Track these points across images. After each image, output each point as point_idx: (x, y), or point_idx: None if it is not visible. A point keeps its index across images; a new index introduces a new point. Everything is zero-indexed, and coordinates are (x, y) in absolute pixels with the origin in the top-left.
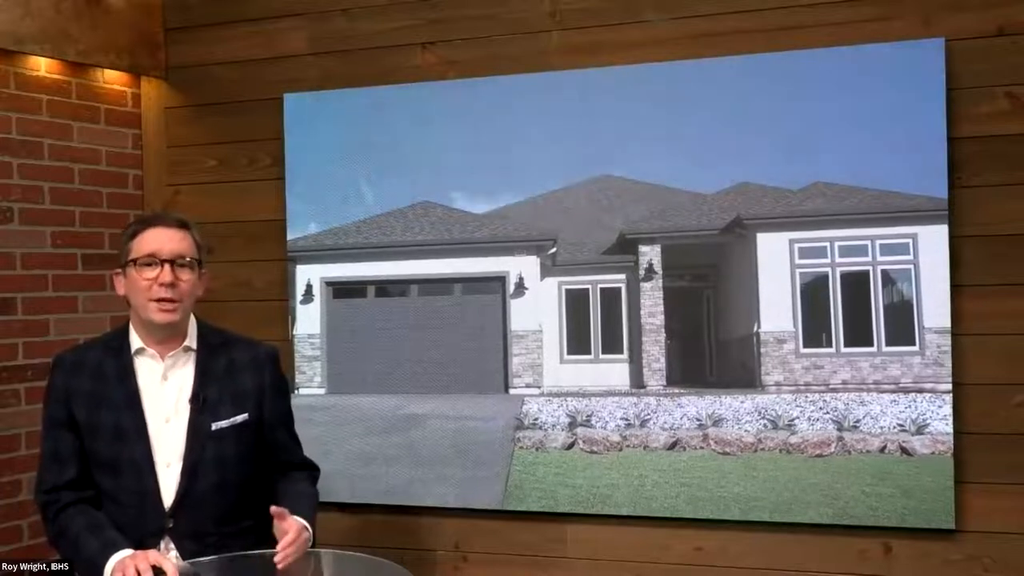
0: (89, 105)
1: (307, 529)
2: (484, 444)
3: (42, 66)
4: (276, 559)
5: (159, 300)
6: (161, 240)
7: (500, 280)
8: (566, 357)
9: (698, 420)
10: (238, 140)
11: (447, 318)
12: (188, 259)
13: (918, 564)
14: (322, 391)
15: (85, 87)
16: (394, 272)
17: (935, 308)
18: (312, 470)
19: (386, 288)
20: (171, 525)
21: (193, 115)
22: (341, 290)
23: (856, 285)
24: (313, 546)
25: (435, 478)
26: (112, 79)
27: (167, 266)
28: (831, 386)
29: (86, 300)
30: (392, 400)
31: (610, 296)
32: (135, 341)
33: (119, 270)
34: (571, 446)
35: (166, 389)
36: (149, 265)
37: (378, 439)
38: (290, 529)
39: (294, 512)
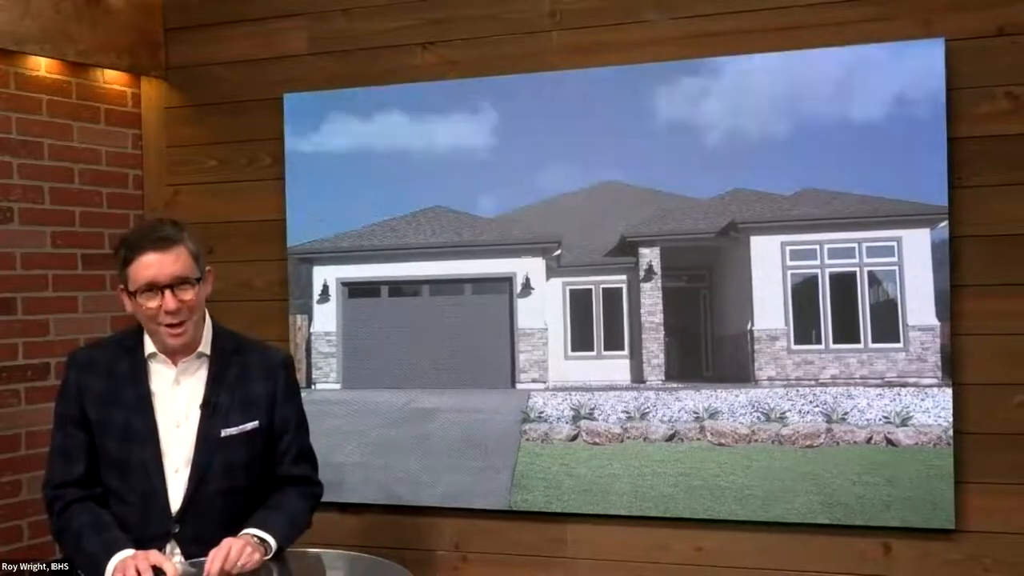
0: (89, 105)
1: (256, 537)
2: (493, 437)
3: (42, 66)
4: (206, 569)
5: (168, 325)
6: (155, 266)
7: (508, 281)
8: (570, 354)
9: (695, 413)
10: (238, 140)
11: (457, 317)
12: (188, 279)
13: (918, 564)
14: (337, 386)
15: (85, 87)
16: (407, 273)
17: (918, 307)
18: (312, 486)
19: (399, 288)
20: (177, 530)
21: (193, 115)
22: (356, 290)
23: (844, 285)
24: (279, 554)
25: (446, 468)
26: (112, 79)
27: (168, 293)
28: (821, 381)
29: (86, 300)
30: (404, 395)
31: (612, 296)
32: (148, 346)
33: (122, 287)
34: (575, 438)
35: (178, 394)
36: (149, 291)
37: (391, 431)
38: (223, 543)
39: (257, 523)
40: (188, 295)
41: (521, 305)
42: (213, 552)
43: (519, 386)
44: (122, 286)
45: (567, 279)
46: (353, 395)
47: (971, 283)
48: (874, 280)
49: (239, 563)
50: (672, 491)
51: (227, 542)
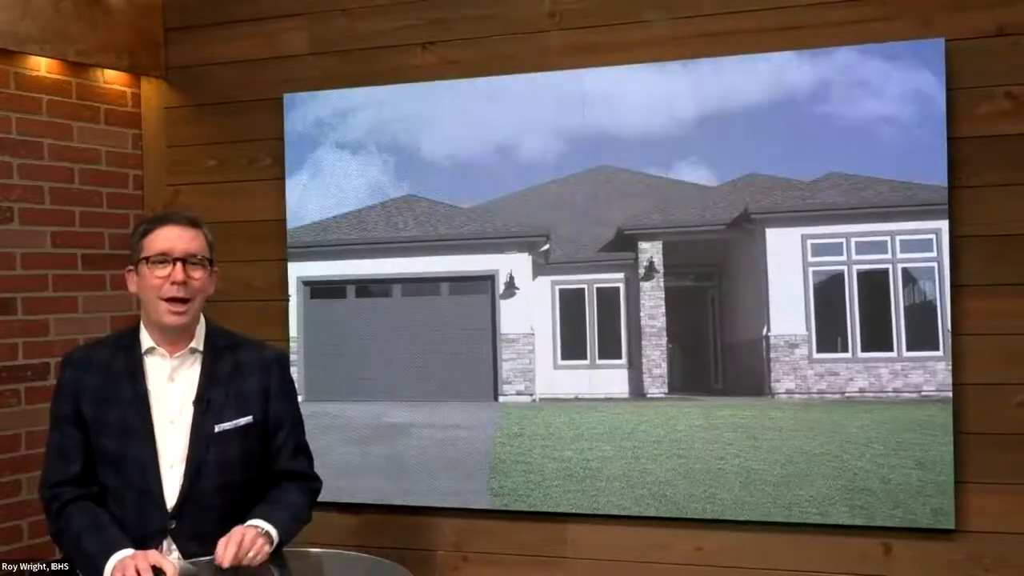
0: (89, 105)
1: (261, 529)
2: (471, 455)
3: (42, 66)
4: (217, 558)
5: (170, 300)
6: (173, 238)
7: (489, 279)
8: (560, 362)
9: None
10: (238, 140)
11: (432, 320)
12: (200, 257)
13: (918, 564)
14: (299, 398)
15: (85, 87)
16: (376, 271)
17: None
18: (310, 481)
19: (367, 288)
20: (173, 526)
21: (193, 115)
22: (319, 290)
23: (874, 284)
24: (279, 548)
25: (422, 491)
26: (112, 79)
27: (179, 264)
28: (847, 394)
29: (86, 300)
30: (373, 408)
31: (607, 296)
32: (146, 340)
33: (131, 268)
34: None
35: (172, 390)
36: (161, 263)
37: (357, 450)
38: (232, 532)
39: (261, 515)
40: (197, 274)
41: (504, 307)
42: (224, 540)
43: (502, 399)
44: (131, 267)
45: (556, 277)
46: (315, 408)
47: (971, 283)
48: (909, 278)
49: (251, 552)
50: (670, 475)
51: (239, 530)
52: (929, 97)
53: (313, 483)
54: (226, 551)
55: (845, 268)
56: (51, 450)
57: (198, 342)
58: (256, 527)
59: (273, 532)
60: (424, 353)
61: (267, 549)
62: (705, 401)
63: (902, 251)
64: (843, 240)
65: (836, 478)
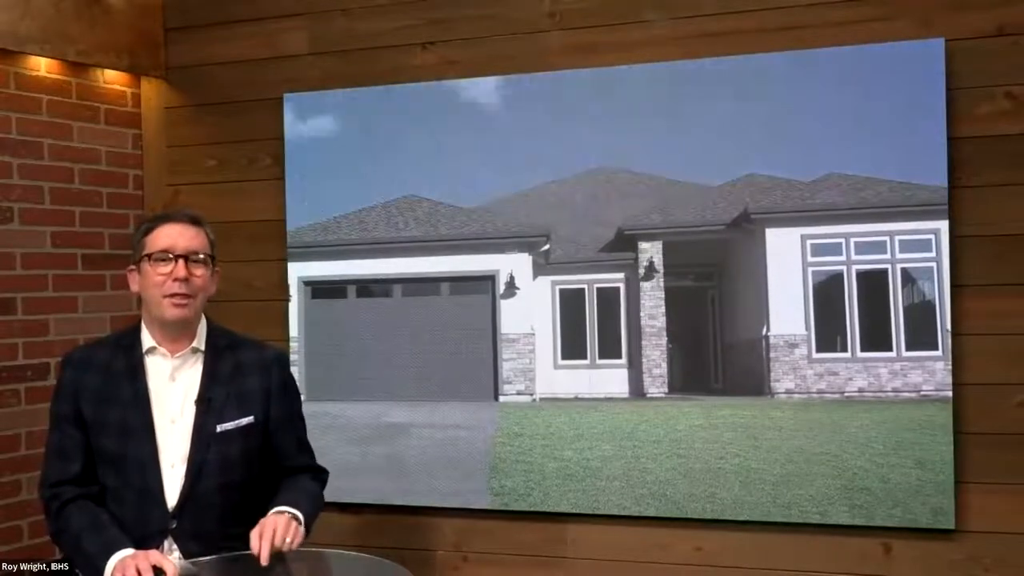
0: (89, 105)
1: (289, 513)
2: (471, 454)
3: (42, 66)
4: (254, 551)
5: (172, 295)
6: (175, 236)
7: (490, 279)
8: (560, 362)
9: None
10: (238, 140)
11: (432, 320)
12: (202, 255)
13: (918, 564)
14: (301, 397)
15: (85, 87)
16: (376, 271)
17: None
18: (319, 472)
19: (368, 288)
20: (174, 526)
21: (193, 115)
22: (320, 290)
23: (873, 284)
24: (307, 535)
25: (422, 491)
26: (112, 79)
27: (181, 261)
28: (847, 394)
29: (86, 300)
30: (373, 408)
31: (608, 296)
32: (147, 340)
33: (133, 267)
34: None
35: (173, 390)
36: (163, 260)
37: (358, 449)
38: (264, 523)
39: (284, 502)
40: (199, 271)
41: (505, 307)
42: (256, 533)
43: (503, 398)
44: (132, 266)
45: (557, 277)
46: (316, 408)
47: (971, 283)
48: (908, 278)
49: (288, 539)
50: (669, 475)
51: (270, 519)
52: (929, 97)
53: (322, 474)
54: (261, 543)
55: (844, 268)
56: (51, 450)
57: (199, 341)
58: (285, 512)
59: (300, 516)
60: (424, 353)
61: (301, 531)
62: (705, 401)
63: (901, 251)
64: (842, 240)
65: (836, 478)
